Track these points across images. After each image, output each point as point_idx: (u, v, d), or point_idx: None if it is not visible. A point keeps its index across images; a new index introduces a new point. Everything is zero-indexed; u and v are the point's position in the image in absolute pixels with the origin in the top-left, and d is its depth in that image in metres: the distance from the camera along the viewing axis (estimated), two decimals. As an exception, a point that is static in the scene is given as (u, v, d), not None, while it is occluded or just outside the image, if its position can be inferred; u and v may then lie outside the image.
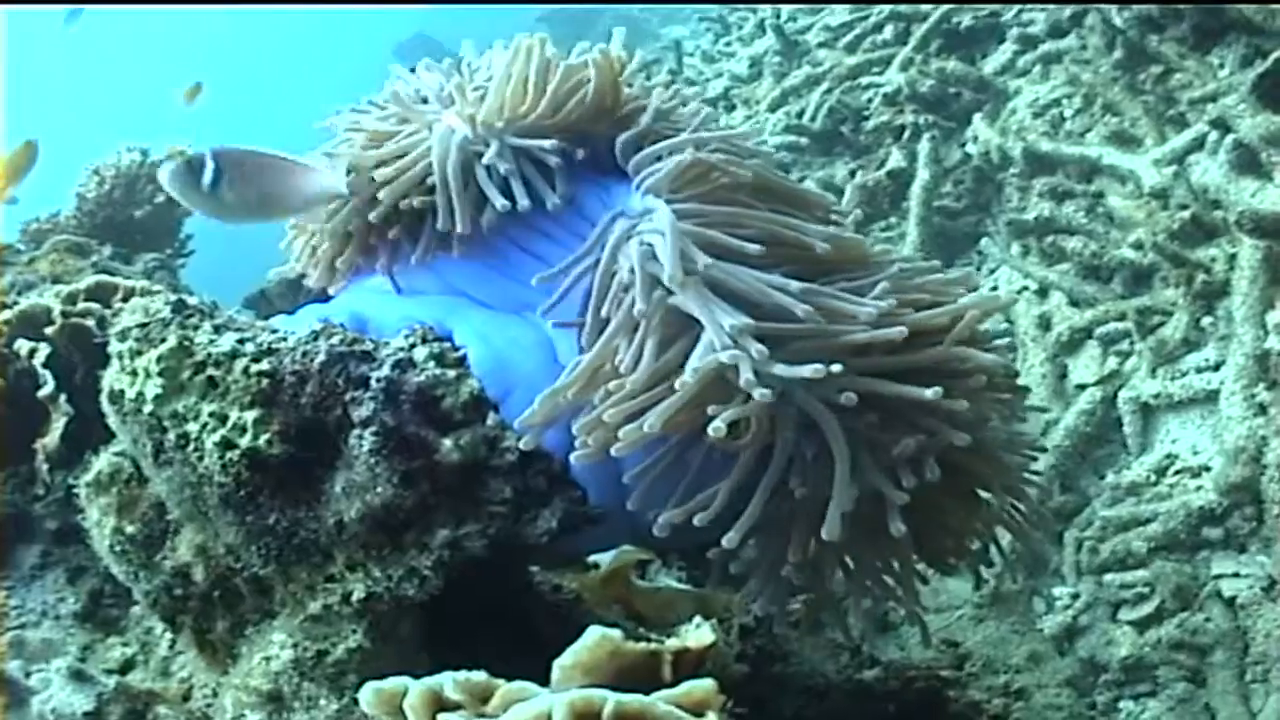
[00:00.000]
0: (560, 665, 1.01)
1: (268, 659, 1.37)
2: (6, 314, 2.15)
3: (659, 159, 1.47)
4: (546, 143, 1.47)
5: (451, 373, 1.37)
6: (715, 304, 1.29)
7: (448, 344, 1.41)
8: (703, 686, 0.98)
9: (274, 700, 1.37)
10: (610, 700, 0.92)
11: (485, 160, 1.45)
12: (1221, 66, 3.66)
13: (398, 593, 1.34)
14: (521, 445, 1.38)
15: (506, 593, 1.59)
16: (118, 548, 1.53)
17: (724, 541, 1.34)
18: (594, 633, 1.01)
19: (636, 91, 1.59)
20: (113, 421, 1.47)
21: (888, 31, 4.65)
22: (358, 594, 1.35)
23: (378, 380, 1.33)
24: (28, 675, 1.76)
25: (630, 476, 1.40)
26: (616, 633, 1.02)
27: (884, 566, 1.48)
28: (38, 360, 2.08)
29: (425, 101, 1.55)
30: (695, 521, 1.34)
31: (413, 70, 1.67)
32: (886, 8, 4.67)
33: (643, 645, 1.03)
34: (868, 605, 1.50)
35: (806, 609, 1.64)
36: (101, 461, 1.56)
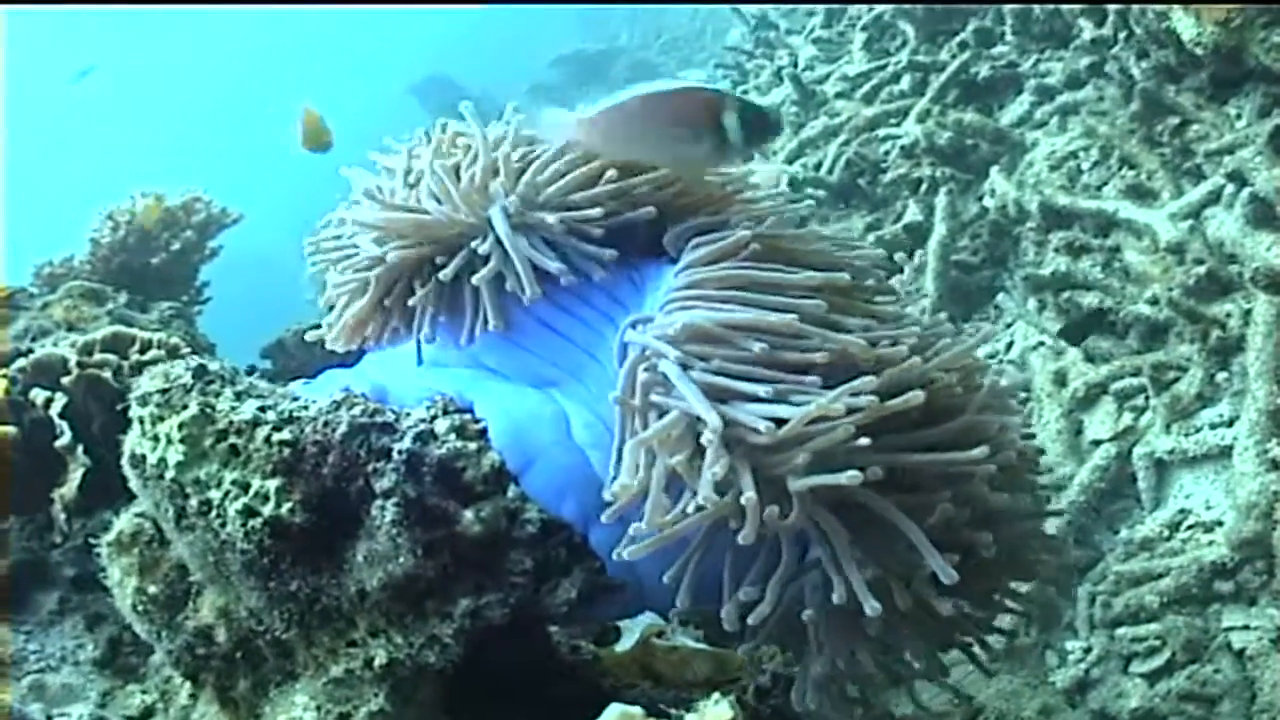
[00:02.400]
0: None
1: (292, 719, 1.40)
2: (21, 362, 2.18)
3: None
4: (593, 212, 1.48)
5: (473, 445, 1.40)
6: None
7: (469, 416, 1.44)
8: None
9: (296, 759, 1.39)
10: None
11: (521, 235, 1.47)
12: (1239, 117, 3.64)
13: (419, 659, 1.37)
14: (627, 555, 1.40)
15: (527, 657, 1.61)
16: (140, 607, 1.56)
17: (751, 619, 1.37)
18: (614, 711, 1.04)
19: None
20: (134, 485, 1.50)
21: (905, 82, 4.65)
22: (380, 659, 1.37)
23: (399, 452, 1.36)
24: (49, 719, 1.78)
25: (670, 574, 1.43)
26: (638, 710, 1.04)
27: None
28: (54, 410, 2.11)
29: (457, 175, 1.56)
30: (752, 620, 1.37)
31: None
32: (904, 57, 4.68)
33: None
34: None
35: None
36: (123, 522, 1.59)
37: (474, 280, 1.48)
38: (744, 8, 6.35)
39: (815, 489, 1.30)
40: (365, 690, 1.39)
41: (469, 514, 1.36)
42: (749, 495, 1.27)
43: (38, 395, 2.13)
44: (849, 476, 1.28)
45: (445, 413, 1.42)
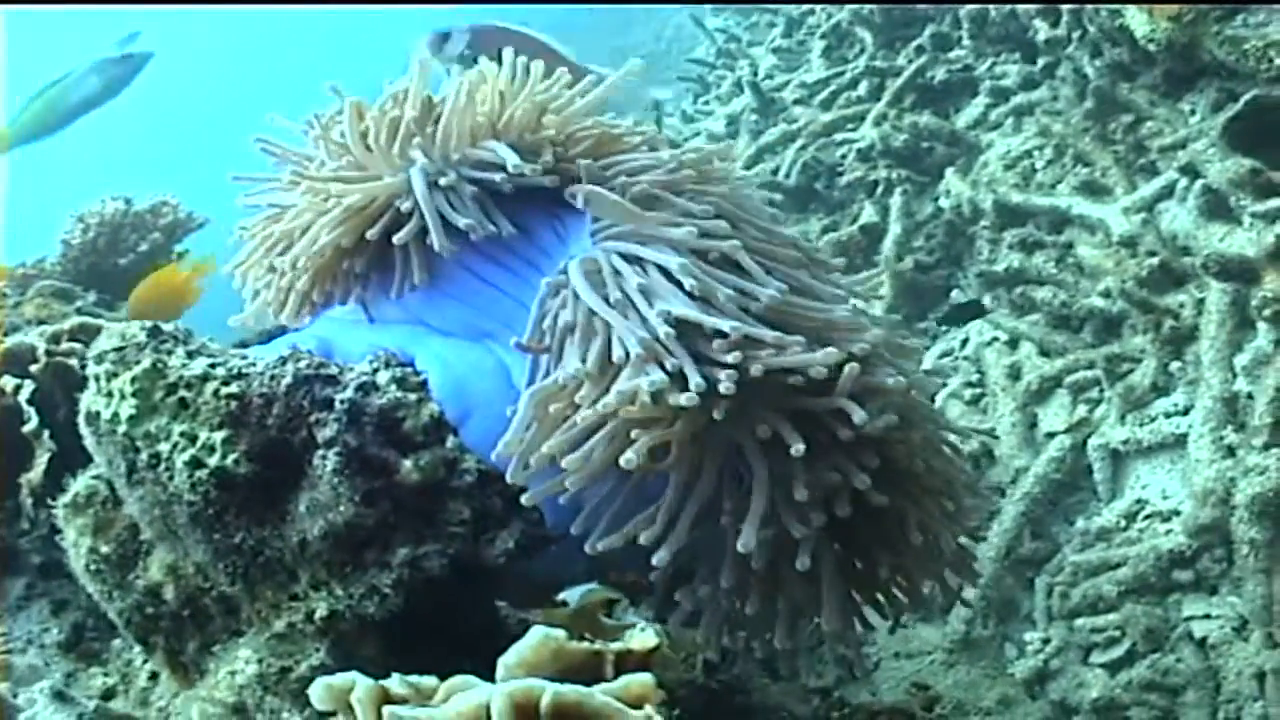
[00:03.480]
0: (504, 663, 1.05)
1: (233, 673, 1.41)
2: (-9, 353, 2.20)
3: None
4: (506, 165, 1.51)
5: (413, 396, 1.42)
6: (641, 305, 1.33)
7: (410, 369, 1.47)
8: (640, 680, 1.02)
9: (238, 712, 1.40)
10: (549, 691, 0.95)
11: (444, 184, 1.50)
12: (1193, 113, 3.69)
13: (359, 610, 1.38)
14: (510, 477, 1.41)
15: (472, 627, 1.62)
16: (93, 567, 1.57)
17: (654, 560, 1.36)
18: (537, 632, 1.05)
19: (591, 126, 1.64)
20: (89, 443, 1.52)
21: (862, 88, 4.71)
22: (320, 611, 1.39)
23: (341, 402, 1.38)
24: (15, 696, 1.80)
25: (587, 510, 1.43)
26: (560, 632, 1.06)
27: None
28: (22, 397, 2.13)
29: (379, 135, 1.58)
30: (642, 540, 1.36)
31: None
32: (862, 63, 4.74)
33: (585, 645, 1.07)
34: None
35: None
36: (79, 484, 1.60)
37: (395, 240, 1.50)
38: (707, 22, 6.41)
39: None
40: (307, 644, 1.41)
41: (408, 463, 1.38)
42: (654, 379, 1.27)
43: (6, 382, 2.15)
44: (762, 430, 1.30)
45: (387, 366, 1.44)
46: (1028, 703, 3.16)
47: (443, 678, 1.12)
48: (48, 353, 2.21)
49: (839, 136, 4.54)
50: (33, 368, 2.18)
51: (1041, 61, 4.26)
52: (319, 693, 1.05)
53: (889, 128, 4.34)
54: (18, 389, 2.14)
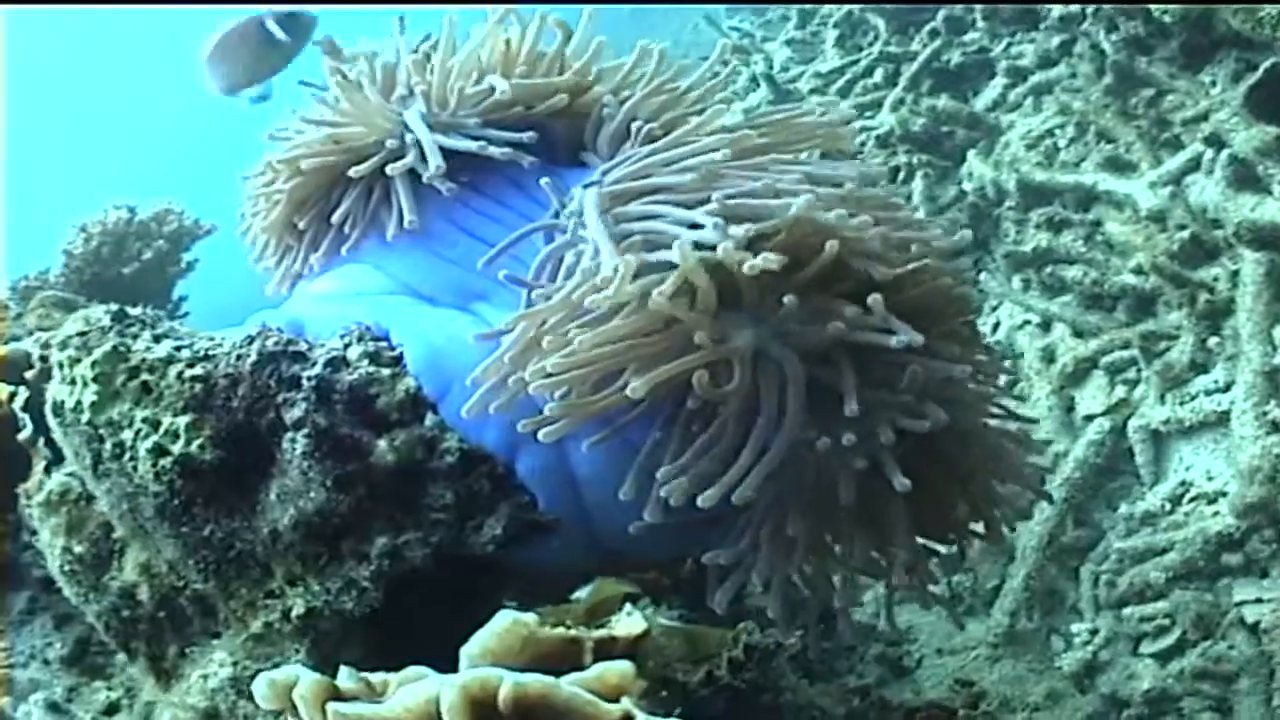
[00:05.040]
0: (466, 653, 0.94)
1: (205, 676, 1.31)
2: (-11, 362, 2.16)
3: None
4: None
5: (386, 371, 1.32)
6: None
7: (383, 342, 1.37)
8: (618, 669, 0.90)
9: (210, 717, 1.30)
10: (508, 681, 0.83)
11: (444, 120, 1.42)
12: (1213, 84, 3.60)
13: (336, 606, 1.28)
14: (463, 410, 1.30)
15: (472, 624, 1.52)
16: (67, 568, 1.49)
17: (734, 497, 1.23)
18: (505, 617, 0.94)
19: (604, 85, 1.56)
20: (57, 435, 1.44)
21: (878, 75, 4.63)
22: (298, 609, 1.29)
23: (309, 379, 1.28)
24: (15, 709, 1.76)
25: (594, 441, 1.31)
26: (531, 616, 0.95)
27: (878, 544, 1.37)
28: (17, 404, 2.09)
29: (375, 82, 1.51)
30: (664, 493, 1.25)
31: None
32: (876, 50, 4.66)
33: (560, 631, 0.95)
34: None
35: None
36: (52, 481, 1.53)
37: (388, 170, 1.42)
38: (724, 24, 6.35)
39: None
40: (286, 645, 1.31)
41: (383, 443, 1.28)
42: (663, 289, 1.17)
43: (2, 390, 2.10)
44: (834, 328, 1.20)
45: (360, 340, 1.34)
46: (1077, 696, 3.04)
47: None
48: (41, 358, 2.17)
49: (857, 124, 4.45)
50: (28, 374, 2.14)
51: (1057, 39, 4.17)
52: (262, 690, 0.95)
53: (907, 113, 4.25)
54: (12, 396, 2.10)
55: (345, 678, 0.92)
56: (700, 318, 1.20)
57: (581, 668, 0.94)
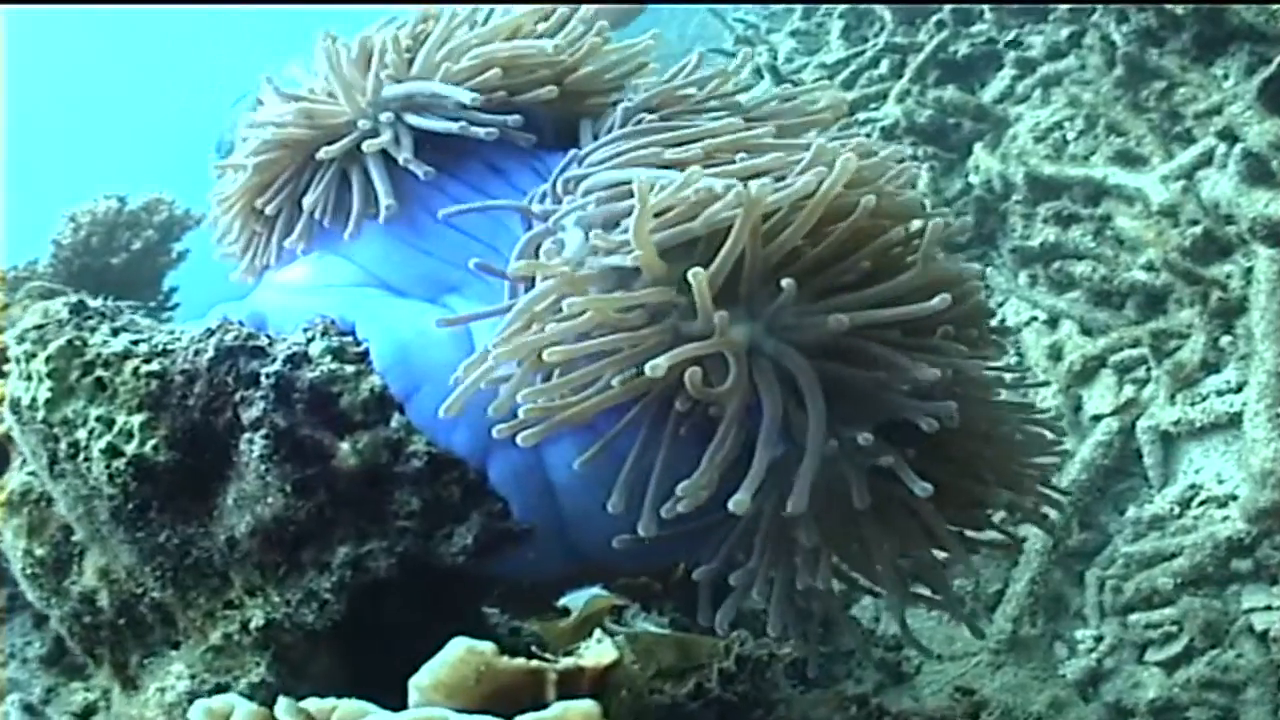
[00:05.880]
0: (416, 685, 0.86)
1: (162, 690, 1.24)
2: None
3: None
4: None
5: (350, 368, 1.24)
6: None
7: (349, 337, 1.29)
8: (580, 709, 0.81)
9: (166, 734, 1.23)
10: (448, 721, 0.75)
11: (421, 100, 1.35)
12: (1225, 77, 3.54)
13: (296, 618, 1.20)
14: (442, 408, 1.22)
15: (446, 638, 1.45)
16: (29, 571, 1.43)
17: (731, 504, 1.16)
18: (458, 645, 0.85)
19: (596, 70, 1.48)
20: (15, 433, 1.37)
21: (883, 66, 4.56)
22: (256, 621, 1.21)
23: (268, 377, 1.20)
24: None
25: (573, 472, 1.24)
26: (487, 645, 0.86)
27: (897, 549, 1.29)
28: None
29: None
30: (681, 507, 1.17)
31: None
32: (882, 40, 4.59)
33: (519, 662, 0.87)
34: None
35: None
36: (14, 480, 1.45)
37: (364, 147, 1.36)
38: (728, 16, 6.28)
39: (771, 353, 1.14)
40: (246, 658, 1.23)
41: (345, 445, 1.20)
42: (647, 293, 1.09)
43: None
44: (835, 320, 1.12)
45: (324, 335, 1.26)
46: (1080, 705, 3.01)
47: (388, 703, 0.94)
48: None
49: (862, 115, 4.37)
50: (6, 368, 2.08)
51: (1066, 30, 4.09)
52: (197, 717, 0.87)
53: (912, 104, 4.18)
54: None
55: (283, 710, 0.85)
56: (704, 303, 1.13)
57: (544, 703, 0.86)
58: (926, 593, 1.37)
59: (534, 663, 0.88)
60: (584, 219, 1.21)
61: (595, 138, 1.42)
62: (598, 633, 0.99)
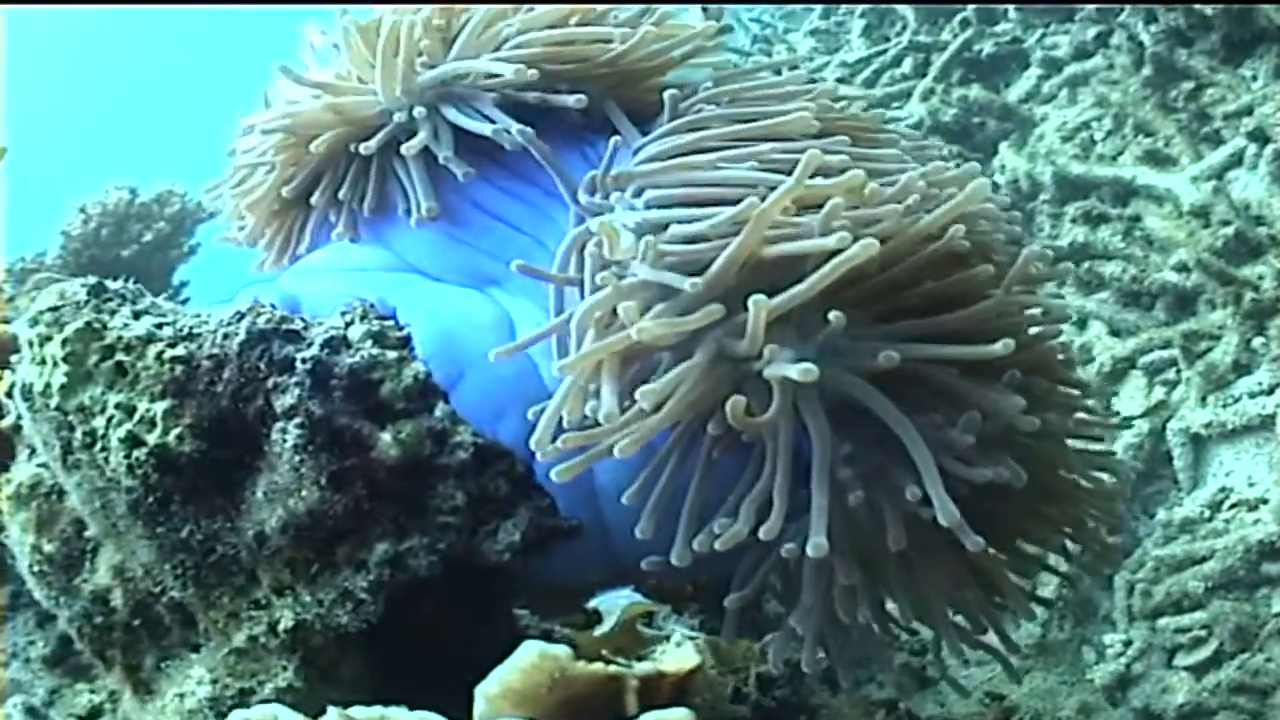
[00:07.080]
0: (484, 693, 0.79)
1: (181, 695, 1.17)
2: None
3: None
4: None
5: (392, 354, 1.17)
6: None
7: (390, 322, 1.22)
8: (674, 718, 0.74)
9: (186, 743, 1.17)
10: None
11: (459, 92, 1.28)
12: (1254, 78, 3.48)
13: (329, 620, 1.14)
14: (554, 476, 1.16)
15: (479, 641, 1.39)
16: (37, 568, 1.36)
17: (761, 532, 1.10)
18: (531, 649, 0.78)
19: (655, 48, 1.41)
20: (26, 422, 1.30)
21: (906, 65, 4.49)
22: (285, 623, 1.15)
23: (304, 362, 1.14)
24: None
25: (630, 494, 1.17)
26: (562, 649, 0.79)
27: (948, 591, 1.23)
28: (1, 389, 1.98)
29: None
30: (718, 545, 1.11)
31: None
32: (905, 39, 4.53)
33: (598, 667, 0.80)
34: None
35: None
36: (23, 473, 1.38)
37: (403, 150, 1.29)
38: (743, 16, 6.24)
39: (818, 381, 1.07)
40: (272, 661, 1.17)
41: (386, 436, 1.14)
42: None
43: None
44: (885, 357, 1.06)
45: (362, 318, 1.20)
46: (1109, 710, 2.96)
47: (424, 707, 0.88)
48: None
49: (885, 114, 4.32)
50: (14, 358, 2.03)
51: (1093, 30, 4.05)
52: (235, 731, 0.81)
53: (937, 103, 4.12)
54: (-3, 382, 2.00)
55: (333, 718, 0.78)
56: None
57: (623, 710, 0.79)
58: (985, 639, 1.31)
59: (613, 668, 0.82)
60: (642, 225, 1.14)
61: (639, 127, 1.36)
62: (676, 635, 0.93)
